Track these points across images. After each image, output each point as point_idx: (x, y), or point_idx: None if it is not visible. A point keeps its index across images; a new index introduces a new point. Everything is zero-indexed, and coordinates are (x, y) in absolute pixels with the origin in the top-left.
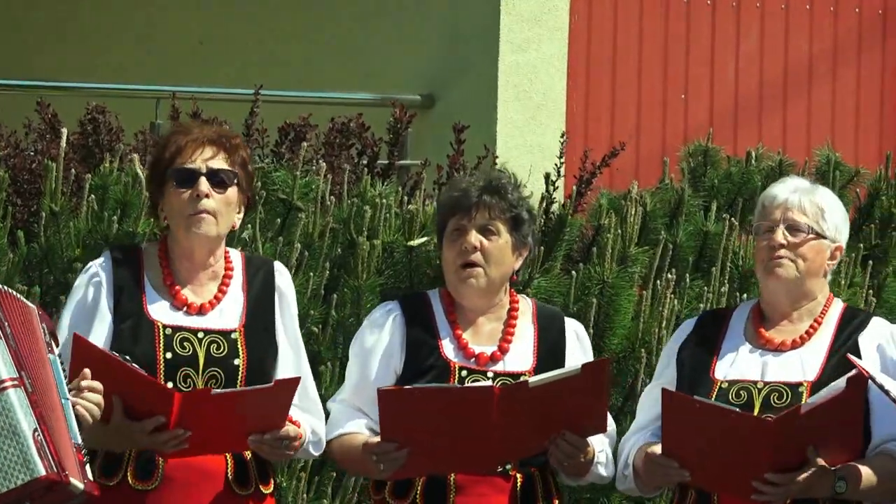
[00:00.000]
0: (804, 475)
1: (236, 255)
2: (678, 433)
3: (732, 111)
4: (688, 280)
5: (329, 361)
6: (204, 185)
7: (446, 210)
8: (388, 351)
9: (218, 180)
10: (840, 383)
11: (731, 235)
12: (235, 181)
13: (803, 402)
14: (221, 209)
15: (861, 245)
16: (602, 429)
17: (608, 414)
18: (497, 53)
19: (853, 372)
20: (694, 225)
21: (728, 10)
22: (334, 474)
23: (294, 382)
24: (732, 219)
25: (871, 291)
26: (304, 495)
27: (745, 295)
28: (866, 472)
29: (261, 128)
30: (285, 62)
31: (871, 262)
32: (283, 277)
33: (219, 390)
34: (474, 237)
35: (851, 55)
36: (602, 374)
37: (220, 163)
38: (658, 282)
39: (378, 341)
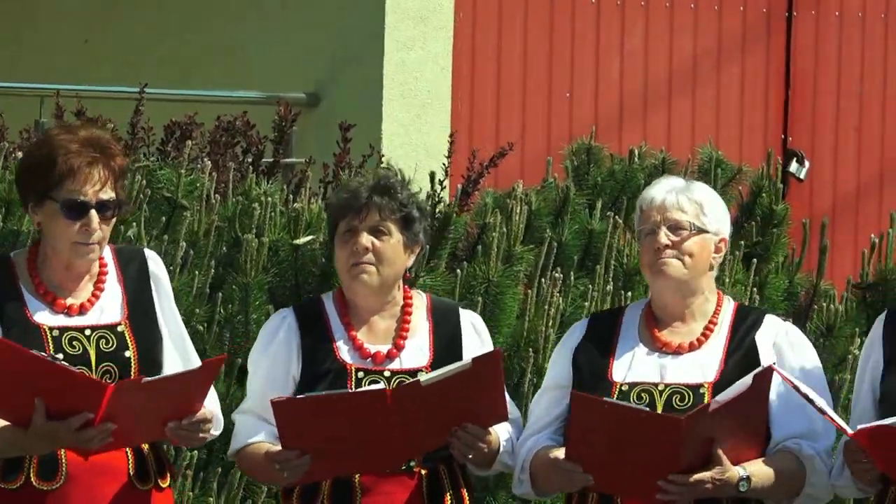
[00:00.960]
0: (710, 474)
1: (106, 250)
2: (584, 436)
3: (617, 109)
4: (573, 278)
5: None
6: (94, 219)
7: (337, 211)
8: (285, 358)
9: (108, 212)
10: (746, 380)
11: (615, 234)
12: (120, 206)
13: (706, 402)
14: (107, 234)
15: (743, 242)
16: (503, 417)
17: (509, 401)
18: (382, 52)
19: (759, 369)
20: (579, 223)
21: (613, 9)
22: (220, 470)
23: (218, 363)
24: (617, 217)
25: (754, 289)
26: (190, 493)
27: (629, 293)
28: (768, 470)
29: (146, 126)
30: (170, 60)
31: (753, 259)
32: (155, 263)
33: (149, 378)
34: (365, 238)
35: (735, 53)
36: (494, 366)
37: (108, 192)
38: (543, 280)
39: (274, 349)
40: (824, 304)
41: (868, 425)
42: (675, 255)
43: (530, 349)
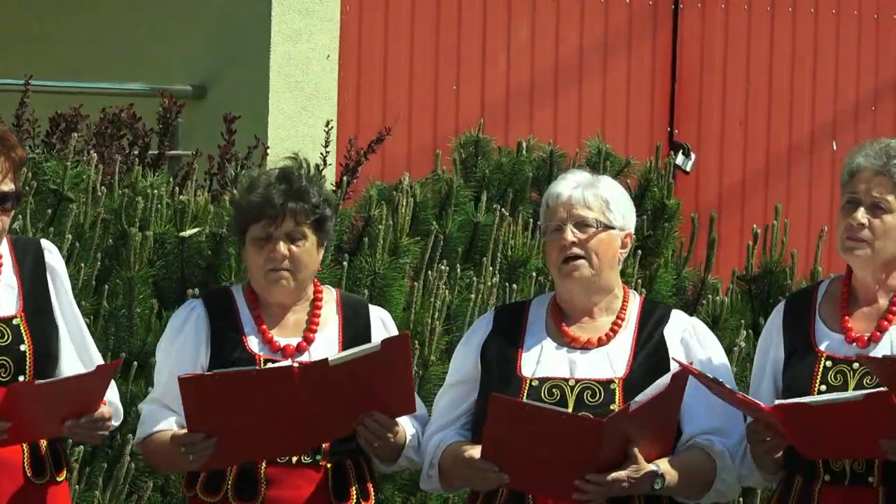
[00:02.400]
0: (626, 473)
1: (3, 241)
2: (501, 437)
3: (504, 102)
4: (459, 271)
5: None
6: None
7: (249, 215)
8: (193, 348)
9: (8, 204)
10: (664, 380)
11: (501, 226)
12: (18, 198)
13: (616, 398)
14: (6, 225)
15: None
16: (410, 409)
17: (417, 399)
18: (269, 44)
19: (676, 369)
20: (465, 216)
21: (500, 1)
22: (105, 465)
23: (113, 366)
24: (503, 209)
25: (641, 282)
26: (76, 486)
27: (515, 286)
28: (680, 466)
29: (31, 118)
30: (56, 52)
31: (641, 252)
32: (52, 255)
33: (42, 381)
34: (283, 247)
35: (622, 46)
36: (403, 350)
37: (8, 184)
38: (429, 273)
39: (182, 339)
40: (711, 297)
41: (784, 401)
42: (581, 254)
43: (416, 341)
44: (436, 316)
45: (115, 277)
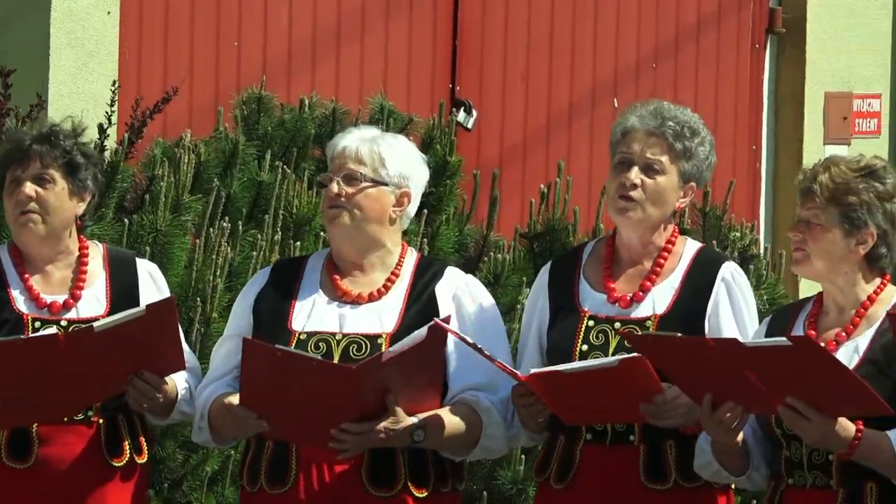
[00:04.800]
0: (384, 424)
1: None
2: (257, 383)
3: (286, 59)
4: (241, 229)
5: None
6: None
7: (2, 162)
8: None
9: None
10: (421, 332)
11: (284, 184)
12: None
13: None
14: None
15: None
16: (180, 366)
17: (188, 350)
18: (49, 0)
19: (433, 322)
20: (248, 174)
21: None
22: None
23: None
24: (286, 167)
25: (425, 239)
26: None
27: (298, 243)
28: (443, 420)
29: None
30: None
31: (425, 210)
32: None
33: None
34: (29, 188)
35: (404, 3)
36: (169, 313)
37: None
38: (211, 230)
39: None
40: (493, 255)
41: (540, 370)
42: (345, 206)
43: (198, 298)
44: (217, 273)
45: None
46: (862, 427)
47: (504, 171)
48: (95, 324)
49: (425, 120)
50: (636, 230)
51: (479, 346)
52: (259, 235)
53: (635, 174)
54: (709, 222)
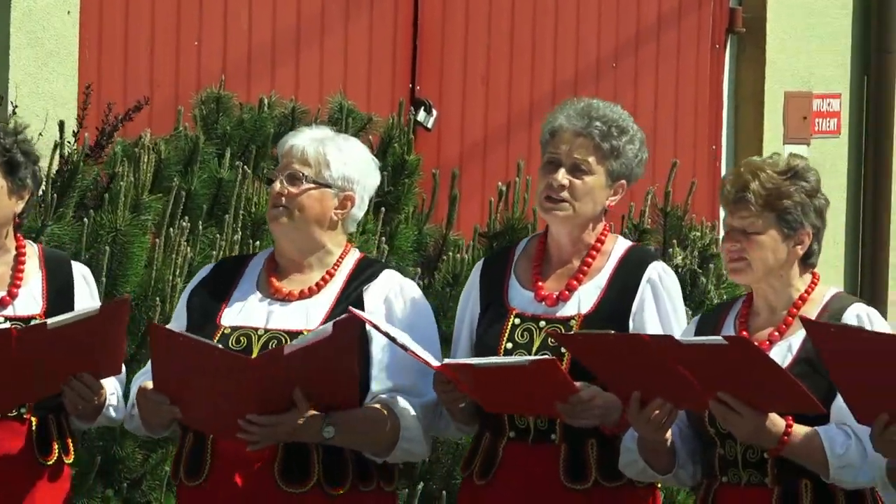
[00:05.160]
0: (289, 417)
1: None
2: (166, 368)
3: (245, 58)
4: (201, 228)
5: None
6: None
7: None
8: None
9: None
10: (327, 327)
11: (244, 183)
12: None
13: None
14: None
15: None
16: (117, 370)
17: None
18: None
19: (341, 317)
20: (208, 173)
21: None
22: None
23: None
24: (245, 166)
25: (384, 238)
26: None
27: (258, 242)
28: (357, 419)
29: None
30: None
31: (383, 208)
32: None
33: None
34: None
35: (364, 2)
36: (122, 314)
37: None
38: (171, 230)
39: None
40: (452, 254)
41: (452, 361)
42: (286, 205)
43: (157, 298)
44: (177, 273)
45: None
46: (792, 423)
47: (463, 170)
48: (49, 320)
49: (385, 119)
50: (565, 226)
51: (393, 335)
52: (219, 234)
53: (562, 175)
54: (669, 222)
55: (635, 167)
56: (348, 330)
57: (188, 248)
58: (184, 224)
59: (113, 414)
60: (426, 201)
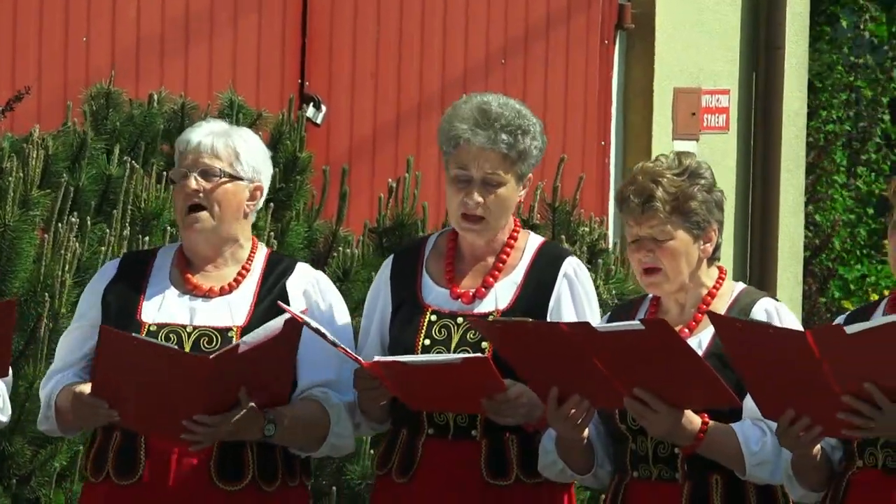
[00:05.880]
0: (233, 416)
1: None
2: (112, 372)
3: (134, 54)
4: (90, 223)
5: None
6: None
7: None
8: None
9: None
10: (277, 324)
11: (132, 179)
12: None
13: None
14: None
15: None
16: (4, 373)
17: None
18: None
19: (289, 315)
20: (97, 168)
21: None
22: None
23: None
24: (134, 162)
25: (273, 235)
26: None
27: (147, 238)
28: (294, 416)
29: None
30: None
31: (273, 205)
32: None
33: None
34: None
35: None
36: (6, 317)
37: None
38: (60, 225)
39: None
40: (342, 250)
41: (383, 358)
42: (205, 205)
43: (46, 294)
44: (66, 269)
45: None
46: (708, 420)
47: (353, 166)
48: None
49: (275, 115)
50: (481, 238)
51: (323, 332)
52: (107, 230)
53: (477, 193)
54: (558, 217)
55: (538, 158)
56: (296, 327)
57: (77, 244)
58: (73, 220)
59: (2, 417)
60: (316, 197)
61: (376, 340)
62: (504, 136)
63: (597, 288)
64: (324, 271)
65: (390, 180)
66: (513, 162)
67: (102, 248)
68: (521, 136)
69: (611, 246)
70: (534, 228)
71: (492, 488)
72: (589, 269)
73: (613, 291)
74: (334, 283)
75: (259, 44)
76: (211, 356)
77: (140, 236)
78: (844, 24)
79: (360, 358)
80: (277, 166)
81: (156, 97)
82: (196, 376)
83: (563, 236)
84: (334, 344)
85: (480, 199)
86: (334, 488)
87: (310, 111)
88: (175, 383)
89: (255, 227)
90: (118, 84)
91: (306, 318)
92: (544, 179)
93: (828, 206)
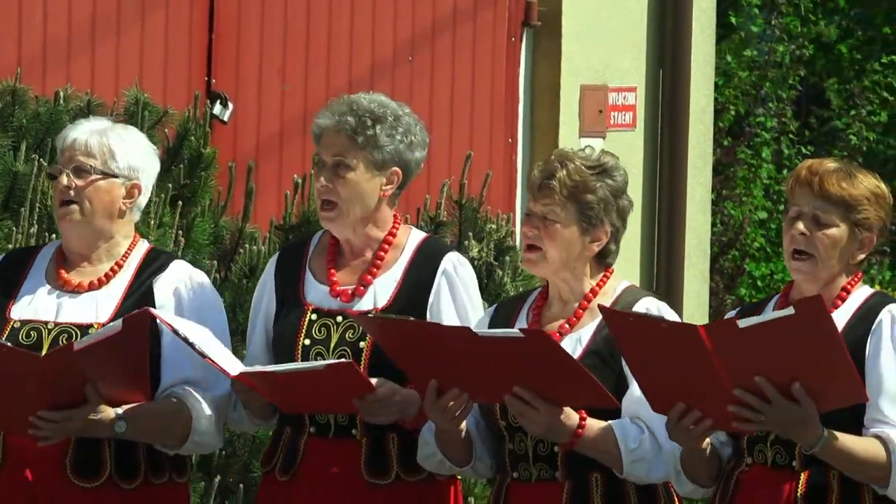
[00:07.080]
0: (80, 412)
1: None
2: None
3: (41, 51)
4: None
5: None
6: None
7: None
8: None
9: None
10: (116, 324)
11: (39, 176)
12: None
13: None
14: None
15: (171, 185)
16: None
17: None
18: None
19: (135, 312)
20: (3, 165)
21: None
22: None
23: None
24: (41, 159)
25: (180, 231)
26: None
27: (54, 235)
28: (149, 412)
29: None
30: None
31: (180, 202)
32: None
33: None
34: None
35: None
36: (142, 330)
37: None
38: None
39: None
40: (248, 247)
41: (249, 370)
42: (75, 199)
43: None
44: None
45: None
46: (586, 416)
47: (260, 163)
48: None
49: (181, 112)
50: (341, 231)
51: (192, 341)
52: (14, 228)
53: (324, 178)
54: (465, 214)
55: (406, 153)
56: (138, 325)
57: None
58: None
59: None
60: (222, 194)
61: (261, 337)
62: (350, 119)
63: (504, 285)
64: (230, 268)
65: (296, 177)
66: (361, 147)
67: (9, 246)
68: (370, 121)
69: (518, 243)
70: (441, 226)
71: (372, 487)
72: (496, 266)
73: (521, 288)
74: (241, 279)
75: (166, 41)
76: (42, 355)
77: (47, 234)
78: (754, 28)
79: (226, 369)
80: (183, 163)
81: (62, 94)
82: (33, 373)
83: (470, 233)
84: (202, 354)
85: (328, 184)
86: (241, 486)
87: (217, 109)
88: (14, 379)
89: (161, 223)
90: (24, 81)
91: (175, 326)
92: (451, 176)
93: (747, 201)
